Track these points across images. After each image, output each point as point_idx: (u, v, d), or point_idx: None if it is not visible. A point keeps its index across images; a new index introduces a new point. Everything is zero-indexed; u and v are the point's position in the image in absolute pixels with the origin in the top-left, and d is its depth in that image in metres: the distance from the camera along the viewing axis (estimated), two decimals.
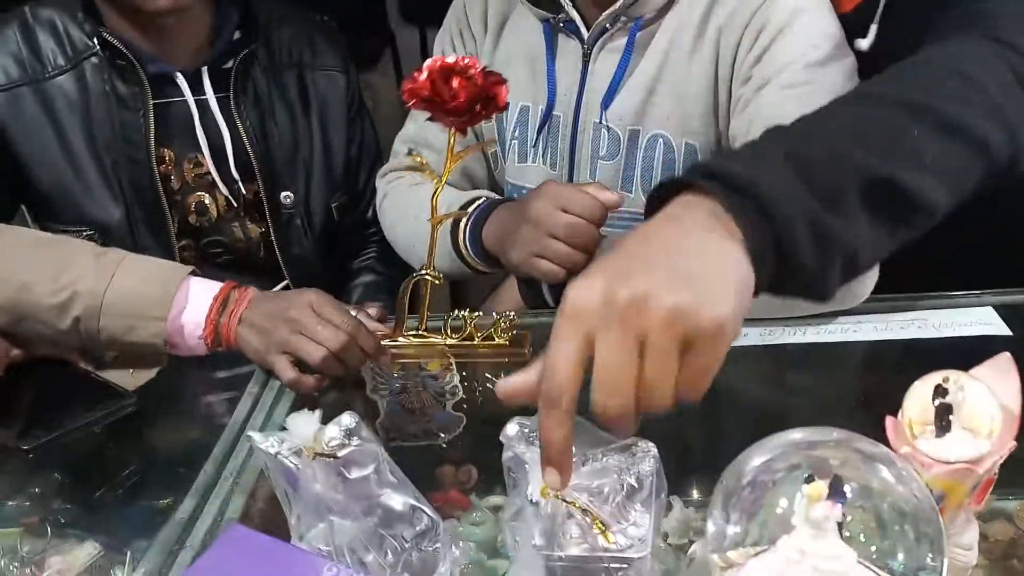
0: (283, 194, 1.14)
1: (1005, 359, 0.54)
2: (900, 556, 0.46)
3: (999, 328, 0.84)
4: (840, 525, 0.45)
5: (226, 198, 1.12)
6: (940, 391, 0.51)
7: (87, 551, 0.72)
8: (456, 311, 0.89)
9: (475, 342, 0.88)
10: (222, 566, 0.52)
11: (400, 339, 0.89)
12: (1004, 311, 0.86)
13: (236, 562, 0.52)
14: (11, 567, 0.71)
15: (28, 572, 0.70)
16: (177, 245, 1.12)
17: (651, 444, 0.55)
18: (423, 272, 0.87)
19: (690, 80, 0.93)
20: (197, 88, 1.09)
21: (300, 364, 0.83)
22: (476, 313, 0.89)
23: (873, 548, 0.47)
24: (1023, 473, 0.56)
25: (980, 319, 0.86)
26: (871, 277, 0.86)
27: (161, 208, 1.09)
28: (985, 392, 0.51)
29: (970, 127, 0.61)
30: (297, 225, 1.16)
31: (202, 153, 1.09)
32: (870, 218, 0.56)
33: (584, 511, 0.52)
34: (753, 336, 0.86)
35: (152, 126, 1.07)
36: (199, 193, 1.11)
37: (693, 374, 0.47)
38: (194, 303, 0.84)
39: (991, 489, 0.55)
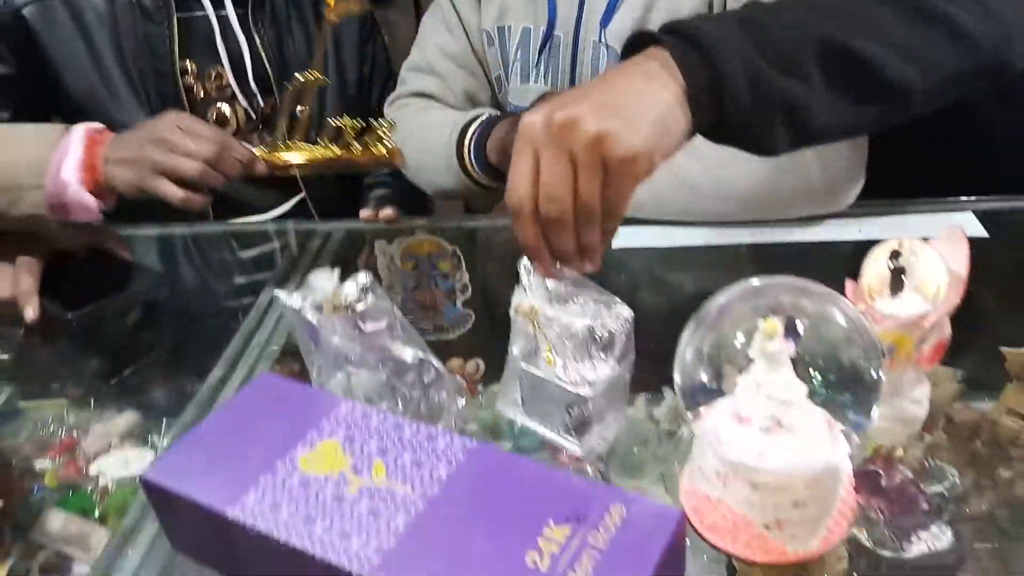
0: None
1: (957, 231, 0.59)
2: (844, 392, 0.53)
3: (976, 230, 0.89)
4: (794, 363, 0.51)
5: (245, 110, 1.17)
6: (895, 255, 0.57)
7: (126, 419, 0.80)
8: (335, 119, 0.91)
9: (351, 152, 0.91)
10: (251, 406, 0.59)
11: (280, 149, 0.93)
12: (985, 216, 0.91)
13: (263, 402, 0.59)
14: (59, 433, 0.78)
15: (74, 435, 0.78)
16: None
17: (629, 310, 0.61)
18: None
19: None
20: (218, 3, 1.14)
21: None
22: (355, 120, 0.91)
23: (819, 380, 0.53)
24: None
25: (960, 223, 0.90)
26: (857, 182, 0.91)
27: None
28: (935, 257, 0.56)
29: (951, 16, 0.65)
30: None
31: (223, 66, 1.15)
32: (825, 81, 0.60)
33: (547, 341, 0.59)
34: (745, 235, 0.91)
35: (176, 38, 1.12)
36: (220, 104, 1.17)
37: (611, 195, 0.56)
38: (70, 157, 0.84)
39: (943, 355, 0.61)
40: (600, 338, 0.59)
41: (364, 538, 0.48)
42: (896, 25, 0.63)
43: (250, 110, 1.18)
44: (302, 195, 1.24)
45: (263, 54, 1.16)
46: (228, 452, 0.54)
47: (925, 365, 0.60)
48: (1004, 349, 0.64)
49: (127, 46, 1.12)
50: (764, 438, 0.49)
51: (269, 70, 1.17)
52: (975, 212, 0.92)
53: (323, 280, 0.60)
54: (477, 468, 0.52)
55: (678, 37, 0.59)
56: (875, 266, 0.58)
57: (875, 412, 0.54)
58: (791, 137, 0.62)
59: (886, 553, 0.56)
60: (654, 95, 0.57)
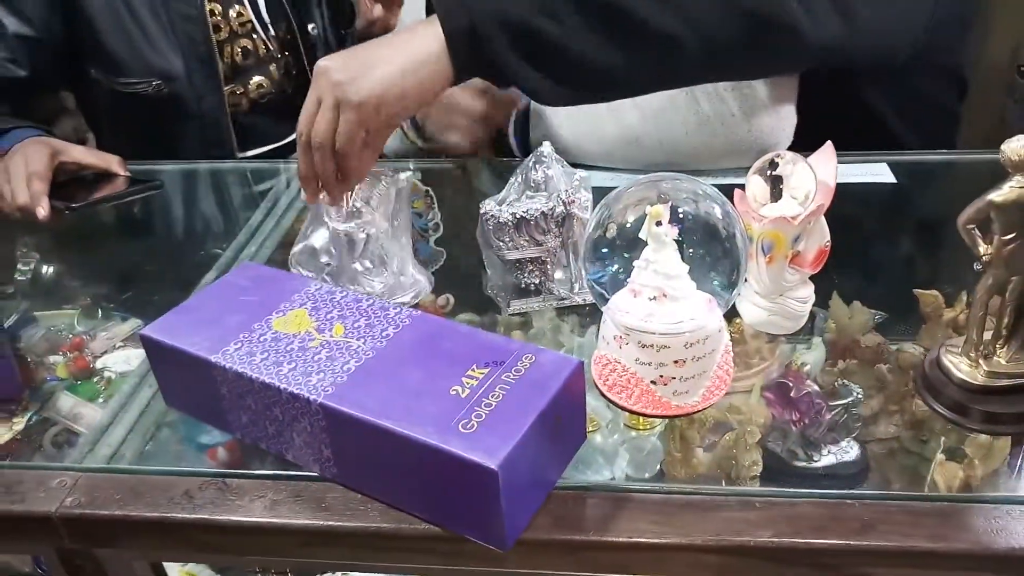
0: (310, 26, 1.31)
1: (829, 147, 0.70)
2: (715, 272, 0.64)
3: (887, 177, 1.00)
4: (680, 245, 0.61)
5: (264, 41, 1.29)
6: (773, 165, 0.68)
7: (130, 325, 0.91)
8: None
9: None
10: (234, 285, 0.70)
11: None
12: (897, 167, 1.02)
13: (245, 282, 0.70)
14: (69, 336, 0.89)
15: (83, 338, 0.89)
16: (225, 88, 1.28)
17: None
18: None
19: None
20: None
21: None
22: None
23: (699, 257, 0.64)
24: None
25: (873, 172, 1.01)
26: (782, 140, 1.01)
27: (212, 56, 1.26)
28: (806, 167, 0.67)
29: None
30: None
31: (243, 3, 1.27)
32: (583, 24, 0.68)
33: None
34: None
35: None
36: (243, 39, 1.28)
37: (359, 132, 0.69)
38: None
39: (823, 262, 0.71)
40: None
41: (322, 375, 0.59)
42: None
43: (267, 40, 1.29)
44: None
45: None
46: (213, 317, 0.65)
47: (809, 268, 0.71)
48: (917, 291, 0.74)
49: None
50: (651, 306, 0.60)
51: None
52: (889, 164, 1.02)
53: None
54: (419, 329, 0.63)
55: None
56: (757, 175, 0.69)
57: (737, 289, 0.64)
58: (556, 80, 0.71)
59: (797, 464, 0.64)
60: (409, 47, 0.70)
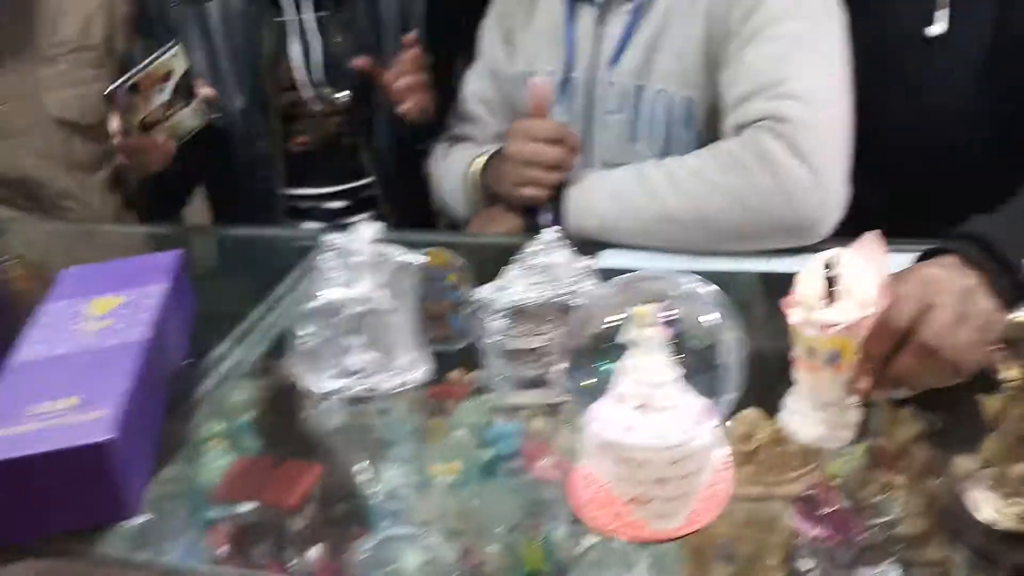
0: (342, 93, 1.32)
1: (871, 237, 0.62)
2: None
3: None
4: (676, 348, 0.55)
5: (316, 99, 1.32)
6: (826, 266, 0.60)
7: None
8: None
9: None
10: None
11: None
12: None
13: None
14: None
15: None
16: (281, 133, 1.33)
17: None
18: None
19: (688, 38, 1.02)
20: (303, 7, 1.30)
21: None
22: None
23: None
24: None
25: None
26: (827, 221, 0.94)
27: (269, 102, 1.31)
28: (865, 267, 0.59)
29: None
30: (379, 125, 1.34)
31: (294, 60, 1.31)
32: None
33: None
34: (721, 263, 0.95)
35: (266, 38, 1.29)
36: (297, 92, 1.32)
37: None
38: None
39: None
40: None
41: None
42: None
43: (317, 99, 1.32)
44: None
45: (335, 49, 1.31)
46: None
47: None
48: (980, 396, 0.64)
49: (232, 44, 1.30)
50: (634, 416, 0.53)
51: (338, 65, 1.31)
52: None
53: None
54: None
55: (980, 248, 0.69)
56: (809, 278, 0.61)
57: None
58: None
59: None
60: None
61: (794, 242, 0.94)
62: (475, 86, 1.23)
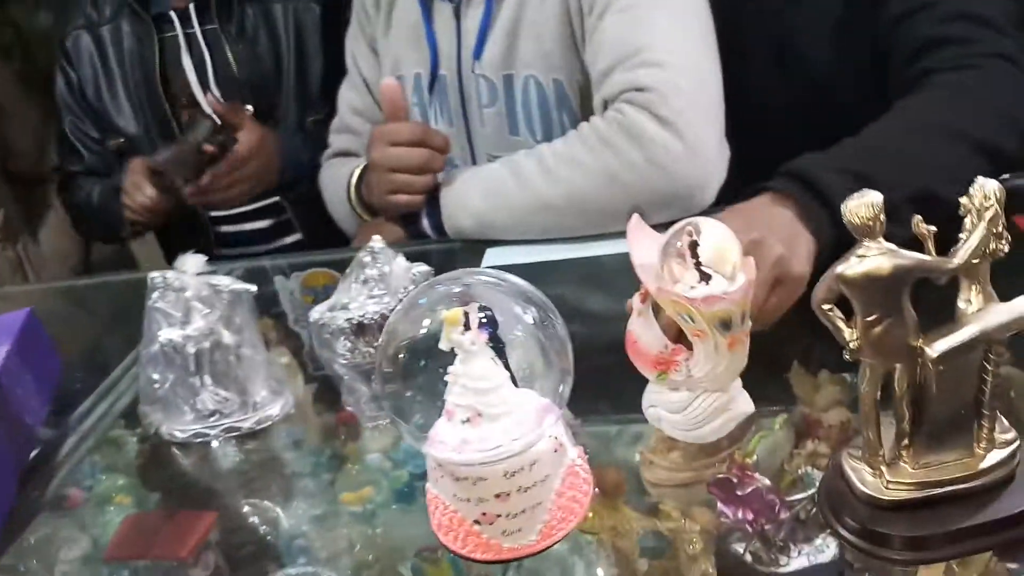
0: (246, 106, 1.30)
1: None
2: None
3: None
4: (502, 349, 0.50)
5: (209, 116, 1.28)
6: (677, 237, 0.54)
7: None
8: None
9: None
10: None
11: None
12: None
13: None
14: None
15: None
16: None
17: None
18: None
19: (546, 19, 0.99)
20: (186, 23, 1.30)
21: None
22: None
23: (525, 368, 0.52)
24: None
25: None
26: (708, 187, 0.92)
27: (168, 122, 1.33)
28: (718, 230, 0.54)
29: (995, 144, 0.75)
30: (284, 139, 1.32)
31: (189, 76, 1.30)
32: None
33: None
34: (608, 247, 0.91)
35: (156, 56, 1.29)
36: (193, 109, 1.31)
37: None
38: None
39: None
40: None
41: None
42: (960, 163, 0.73)
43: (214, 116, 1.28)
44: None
45: (230, 63, 1.31)
46: None
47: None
48: None
49: (128, 66, 1.33)
50: (464, 430, 0.48)
51: (234, 78, 1.31)
52: None
53: None
54: None
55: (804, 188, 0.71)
56: (667, 254, 0.54)
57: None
58: None
59: (762, 569, 0.53)
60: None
61: (679, 213, 0.90)
62: (348, 97, 1.19)
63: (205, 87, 1.32)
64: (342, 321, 0.63)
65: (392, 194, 0.99)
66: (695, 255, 0.52)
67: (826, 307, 0.47)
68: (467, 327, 0.48)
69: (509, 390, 0.50)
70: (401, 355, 0.50)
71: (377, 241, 0.65)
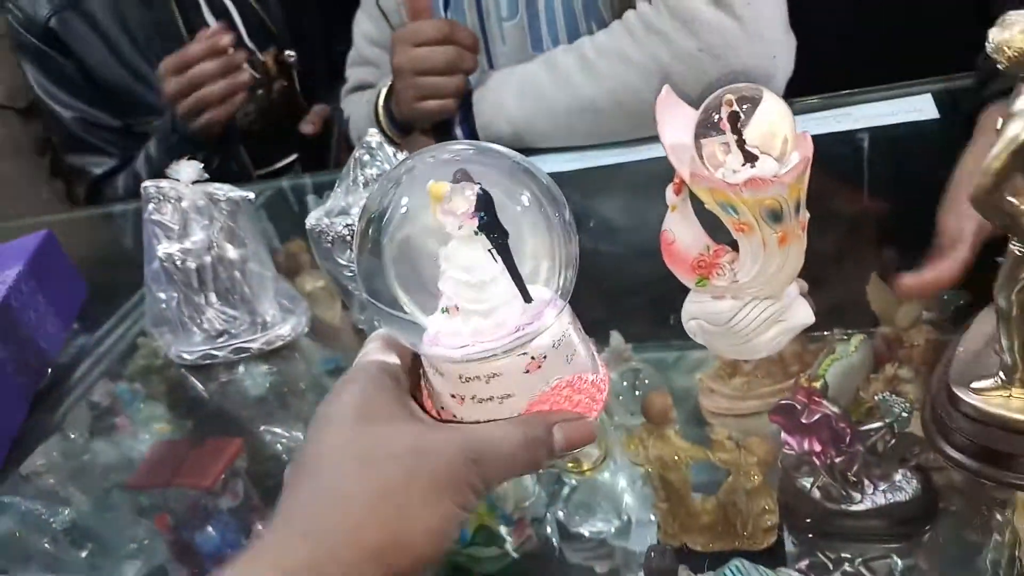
0: (287, 52, 1.23)
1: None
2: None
3: (928, 113, 0.75)
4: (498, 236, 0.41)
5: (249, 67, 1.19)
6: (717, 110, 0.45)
7: None
8: None
9: None
10: None
11: None
12: (943, 96, 0.78)
13: None
14: None
15: None
16: None
17: None
18: None
19: None
20: None
21: None
22: None
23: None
24: None
25: (914, 107, 0.77)
26: (774, 76, 0.80)
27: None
28: (769, 100, 0.44)
29: None
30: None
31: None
32: None
33: None
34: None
35: (178, 18, 1.19)
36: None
37: None
38: None
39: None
40: None
41: None
42: None
43: (251, 69, 1.20)
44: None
45: (255, 7, 1.22)
46: None
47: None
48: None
49: (140, 36, 1.19)
50: (443, 320, 0.40)
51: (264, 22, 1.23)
52: (933, 94, 0.79)
53: None
54: None
55: None
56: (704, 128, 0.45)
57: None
58: None
59: (831, 505, 0.48)
60: None
61: None
62: (364, 27, 1.11)
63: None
64: (342, 227, 0.56)
65: (421, 101, 0.90)
66: (737, 131, 0.43)
67: (999, 197, 0.37)
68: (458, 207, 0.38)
69: (498, 287, 0.40)
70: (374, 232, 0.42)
71: (374, 135, 0.58)
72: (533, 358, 0.41)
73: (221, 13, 1.21)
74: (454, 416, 0.43)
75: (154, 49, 1.18)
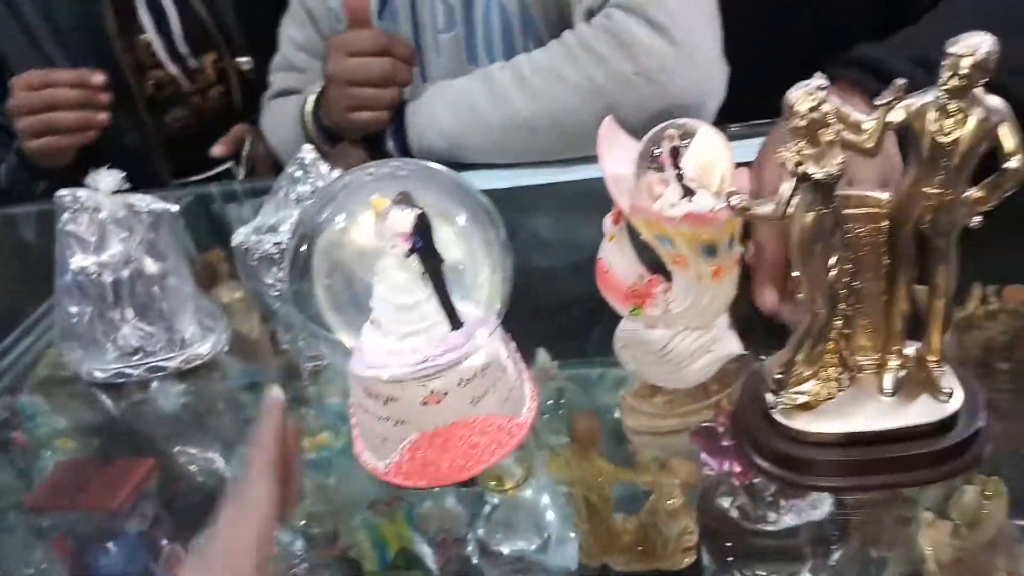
0: (240, 60, 1.19)
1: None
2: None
3: None
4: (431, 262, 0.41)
5: (175, 76, 1.17)
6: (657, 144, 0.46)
7: None
8: None
9: None
10: None
11: None
12: None
13: None
14: None
15: None
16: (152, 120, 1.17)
17: None
18: None
19: None
20: None
21: None
22: None
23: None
24: None
25: None
26: (705, 103, 0.82)
27: (128, 88, 1.14)
28: (706, 135, 0.45)
29: None
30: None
31: (149, 34, 1.14)
32: None
33: None
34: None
35: (110, 16, 1.12)
36: (157, 71, 1.16)
37: None
38: None
39: None
40: None
41: None
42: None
43: (182, 75, 1.17)
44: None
45: (198, 9, 1.16)
46: None
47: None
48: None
49: (65, 27, 1.12)
50: (373, 334, 0.41)
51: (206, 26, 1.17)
52: None
53: None
54: None
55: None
56: (645, 161, 0.46)
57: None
58: None
59: (748, 525, 0.49)
60: None
61: None
62: (290, 32, 1.08)
63: (168, 46, 1.16)
64: (270, 246, 0.54)
65: (354, 111, 0.89)
66: (677, 165, 0.44)
67: None
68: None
69: (422, 312, 0.41)
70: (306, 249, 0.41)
71: (308, 152, 0.57)
72: (432, 392, 0.41)
73: (158, 14, 1.16)
74: (353, 425, 0.43)
75: (79, 47, 1.13)
